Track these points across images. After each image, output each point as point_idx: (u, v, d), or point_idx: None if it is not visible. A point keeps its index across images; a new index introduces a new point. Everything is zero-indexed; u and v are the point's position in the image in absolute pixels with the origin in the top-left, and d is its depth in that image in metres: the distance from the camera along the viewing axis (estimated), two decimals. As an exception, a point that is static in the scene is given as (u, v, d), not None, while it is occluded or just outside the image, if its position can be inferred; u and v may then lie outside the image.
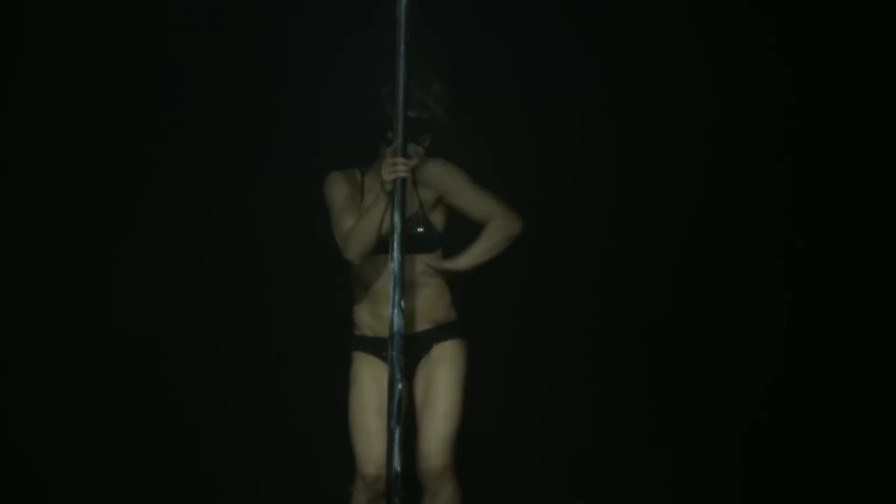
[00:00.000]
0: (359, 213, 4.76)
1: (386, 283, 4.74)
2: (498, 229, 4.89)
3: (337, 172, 4.89)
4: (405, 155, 4.63)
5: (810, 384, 5.87)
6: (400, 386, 4.62)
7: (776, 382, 5.93)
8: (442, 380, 4.89)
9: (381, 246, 4.74)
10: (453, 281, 4.93)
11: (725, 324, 6.01)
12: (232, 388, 5.94)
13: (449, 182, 4.88)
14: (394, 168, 4.61)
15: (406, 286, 4.69)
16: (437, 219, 4.89)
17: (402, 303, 4.62)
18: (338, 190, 4.85)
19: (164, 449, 5.90)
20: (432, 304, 4.91)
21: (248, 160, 5.84)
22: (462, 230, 5.03)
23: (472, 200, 4.90)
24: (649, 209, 6.03)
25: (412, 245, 4.75)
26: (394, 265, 4.63)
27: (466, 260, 4.86)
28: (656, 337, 6.01)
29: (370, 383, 4.89)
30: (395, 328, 4.62)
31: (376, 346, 4.89)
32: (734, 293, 6.00)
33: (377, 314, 4.85)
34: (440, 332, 4.91)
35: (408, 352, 4.72)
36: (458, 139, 5.01)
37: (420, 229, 4.84)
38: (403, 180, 4.62)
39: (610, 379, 6.02)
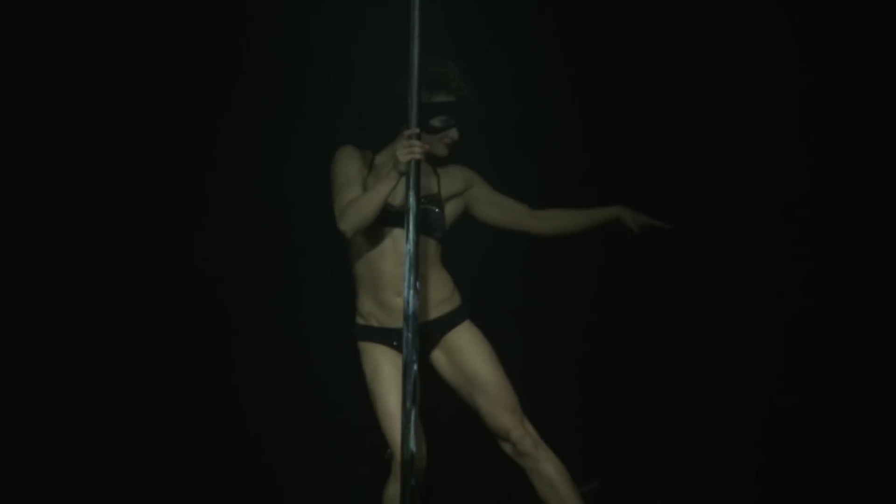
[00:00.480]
0: (362, 189, 4.73)
1: (392, 267, 4.74)
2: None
3: (350, 146, 4.88)
4: (419, 138, 4.61)
5: (833, 368, 5.88)
6: (415, 367, 4.58)
7: (797, 365, 5.94)
8: (479, 360, 4.87)
9: (386, 223, 4.75)
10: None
11: (748, 306, 6.03)
12: (241, 378, 5.96)
13: (477, 179, 4.96)
14: (410, 149, 4.58)
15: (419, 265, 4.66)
16: (449, 210, 4.91)
17: (417, 284, 4.59)
18: (349, 162, 4.83)
19: (175, 441, 5.91)
20: (439, 290, 4.90)
21: (253, 150, 5.84)
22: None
23: (500, 198, 4.99)
24: (671, 194, 6.06)
25: (423, 225, 4.73)
26: (409, 246, 4.59)
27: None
28: (680, 320, 6.03)
29: (388, 371, 4.87)
30: (411, 310, 4.58)
31: (383, 336, 4.87)
32: (756, 273, 6.02)
33: (382, 302, 4.83)
34: (450, 319, 4.91)
35: (421, 337, 4.69)
36: (485, 123, 5.05)
37: (435, 210, 4.83)
38: (418, 162, 4.60)
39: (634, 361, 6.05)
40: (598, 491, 5.90)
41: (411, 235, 4.58)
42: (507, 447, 4.82)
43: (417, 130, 4.57)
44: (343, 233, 4.69)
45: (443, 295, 4.90)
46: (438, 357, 4.89)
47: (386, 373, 4.86)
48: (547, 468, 4.82)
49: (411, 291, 4.59)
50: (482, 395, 4.82)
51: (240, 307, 5.90)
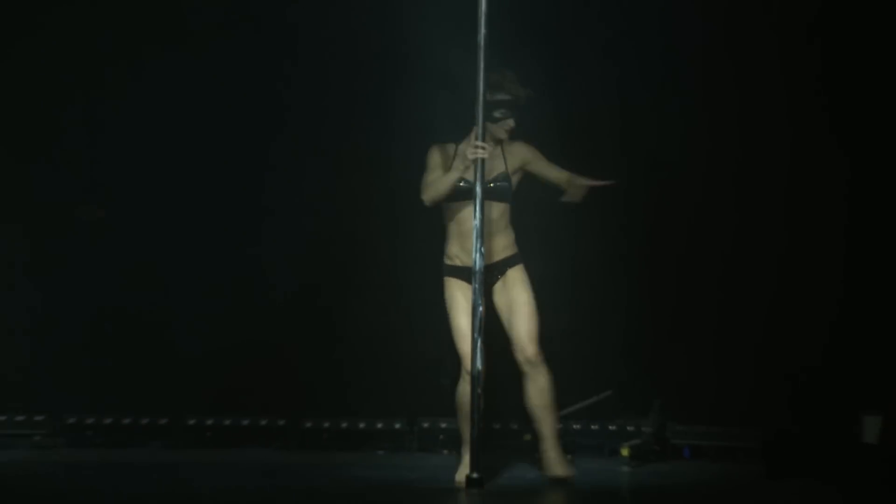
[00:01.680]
0: (442, 173, 6.66)
1: (471, 228, 6.59)
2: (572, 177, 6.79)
3: (435, 145, 6.81)
4: (483, 139, 6.46)
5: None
6: (481, 308, 6.47)
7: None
8: (520, 293, 6.79)
9: (468, 196, 6.58)
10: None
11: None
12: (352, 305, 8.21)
13: (531, 154, 6.79)
14: (475, 151, 6.48)
15: (487, 225, 6.56)
16: (514, 180, 6.77)
17: (482, 248, 6.48)
18: (433, 156, 6.78)
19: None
20: (505, 240, 6.78)
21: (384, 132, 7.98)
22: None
23: (549, 166, 6.81)
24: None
25: (494, 194, 6.63)
26: (476, 222, 6.46)
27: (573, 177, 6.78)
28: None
29: (462, 302, 6.76)
30: (478, 267, 6.46)
31: (462, 272, 6.72)
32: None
33: (464, 248, 6.69)
34: (511, 260, 6.79)
35: (486, 276, 6.60)
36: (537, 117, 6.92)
37: (504, 183, 6.70)
38: (483, 160, 6.47)
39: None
40: (611, 398, 8.02)
41: (478, 214, 6.45)
42: (520, 356, 6.76)
43: (482, 142, 6.47)
44: (424, 202, 6.67)
45: (506, 243, 6.80)
46: (497, 287, 6.80)
47: (460, 302, 6.77)
48: (543, 378, 6.77)
49: (477, 255, 6.48)
50: (516, 318, 6.76)
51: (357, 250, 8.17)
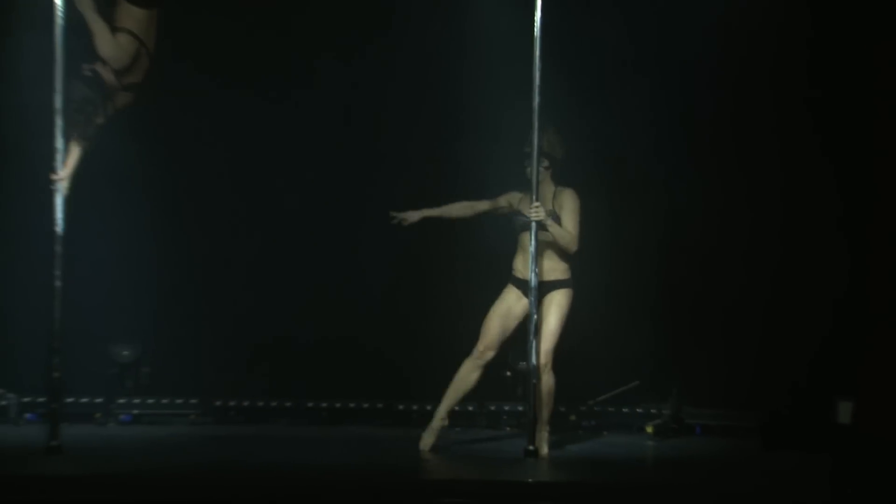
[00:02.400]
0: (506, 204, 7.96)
1: (528, 249, 7.80)
2: (570, 236, 7.86)
3: (513, 192, 8.03)
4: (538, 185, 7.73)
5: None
6: (535, 317, 7.77)
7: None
8: (551, 315, 7.91)
9: (525, 228, 7.79)
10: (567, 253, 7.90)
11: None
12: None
13: (564, 204, 7.95)
14: (535, 211, 7.72)
15: (540, 248, 7.74)
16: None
17: (537, 269, 7.77)
18: (506, 196, 8.03)
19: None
20: (554, 264, 7.91)
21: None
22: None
23: (567, 220, 7.91)
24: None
25: (546, 227, 7.78)
26: (532, 249, 7.76)
27: (552, 228, 7.76)
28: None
29: (507, 302, 7.96)
30: (533, 284, 7.77)
31: (520, 284, 7.97)
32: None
33: (525, 265, 7.87)
34: (556, 284, 7.95)
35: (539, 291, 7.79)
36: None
37: (551, 219, 7.86)
38: (540, 221, 7.74)
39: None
40: (638, 387, 9.01)
41: (533, 243, 7.76)
42: (534, 361, 7.70)
43: (539, 203, 7.70)
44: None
45: (554, 267, 7.86)
46: (543, 301, 7.92)
47: (507, 299, 7.93)
48: (545, 379, 7.79)
49: (532, 274, 7.79)
50: (541, 332, 7.81)
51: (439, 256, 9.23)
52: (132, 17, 7.78)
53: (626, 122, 9.10)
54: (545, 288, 7.94)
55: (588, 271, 8.23)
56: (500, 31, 8.76)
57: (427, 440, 7.98)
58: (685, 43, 8.99)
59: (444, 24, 9.18)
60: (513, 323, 8.02)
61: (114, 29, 7.78)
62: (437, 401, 8.18)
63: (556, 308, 7.94)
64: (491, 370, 8.32)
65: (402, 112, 9.42)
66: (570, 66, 8.60)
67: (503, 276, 8.14)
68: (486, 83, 8.96)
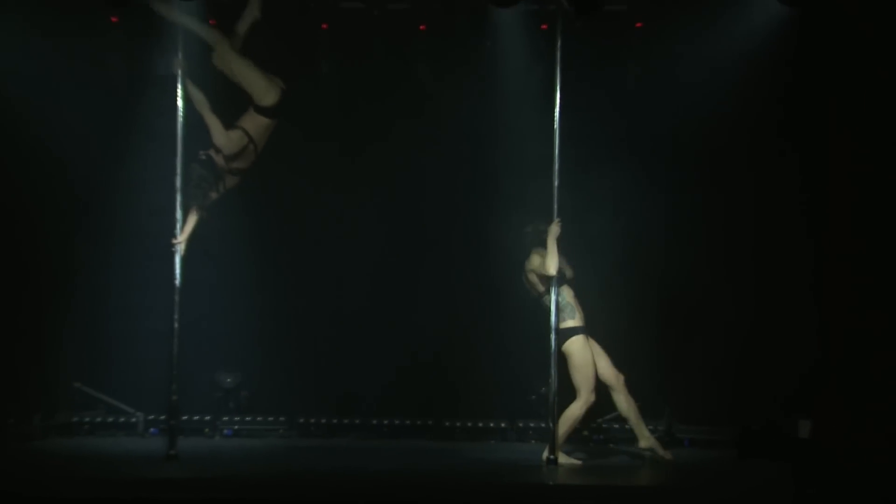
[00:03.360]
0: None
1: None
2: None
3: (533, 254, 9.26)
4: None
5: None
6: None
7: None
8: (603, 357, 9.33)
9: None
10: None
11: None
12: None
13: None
14: (558, 227, 9.12)
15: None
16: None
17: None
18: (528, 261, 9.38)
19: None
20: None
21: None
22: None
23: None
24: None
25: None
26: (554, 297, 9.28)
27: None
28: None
29: (590, 350, 9.23)
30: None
31: (585, 331, 9.31)
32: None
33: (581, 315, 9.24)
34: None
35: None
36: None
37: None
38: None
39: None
40: (638, 407, 9.69)
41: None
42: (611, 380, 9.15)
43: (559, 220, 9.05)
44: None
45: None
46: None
47: (590, 353, 9.17)
48: (623, 394, 9.15)
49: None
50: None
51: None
52: (254, 121, 9.19)
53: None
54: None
55: (597, 317, 9.46)
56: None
57: (561, 458, 9.13)
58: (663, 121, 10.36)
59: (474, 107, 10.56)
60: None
61: (233, 126, 9.16)
62: (478, 419, 10.02)
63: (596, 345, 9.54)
64: (518, 395, 9.79)
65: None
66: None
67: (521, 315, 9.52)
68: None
